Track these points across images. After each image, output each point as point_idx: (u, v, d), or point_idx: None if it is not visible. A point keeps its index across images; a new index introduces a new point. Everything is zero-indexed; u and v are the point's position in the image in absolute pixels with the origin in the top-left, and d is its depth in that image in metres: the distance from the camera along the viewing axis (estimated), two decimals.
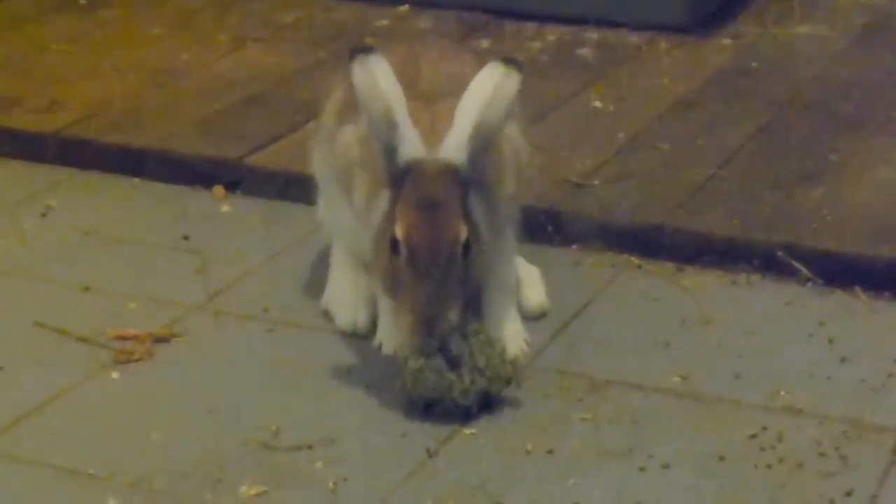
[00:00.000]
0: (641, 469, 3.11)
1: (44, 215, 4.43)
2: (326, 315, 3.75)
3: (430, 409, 3.29)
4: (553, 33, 5.63)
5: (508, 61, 3.34)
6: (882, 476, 3.07)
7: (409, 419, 3.30)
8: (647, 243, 4.03)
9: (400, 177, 3.29)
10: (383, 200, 3.37)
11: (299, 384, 3.47)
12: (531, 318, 3.69)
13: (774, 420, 3.27)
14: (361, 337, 3.64)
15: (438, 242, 3.23)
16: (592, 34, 5.59)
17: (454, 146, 3.29)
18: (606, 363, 3.52)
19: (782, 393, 3.37)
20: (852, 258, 3.85)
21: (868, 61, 5.27)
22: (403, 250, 3.24)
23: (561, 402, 3.37)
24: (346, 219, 3.67)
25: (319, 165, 3.81)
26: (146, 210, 4.46)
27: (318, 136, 3.82)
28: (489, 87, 3.30)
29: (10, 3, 6.07)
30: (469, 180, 3.32)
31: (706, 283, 3.90)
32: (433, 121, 3.39)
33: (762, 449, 3.16)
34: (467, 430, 3.25)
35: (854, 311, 3.74)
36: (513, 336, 3.55)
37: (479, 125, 3.29)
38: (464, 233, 3.25)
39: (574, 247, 4.10)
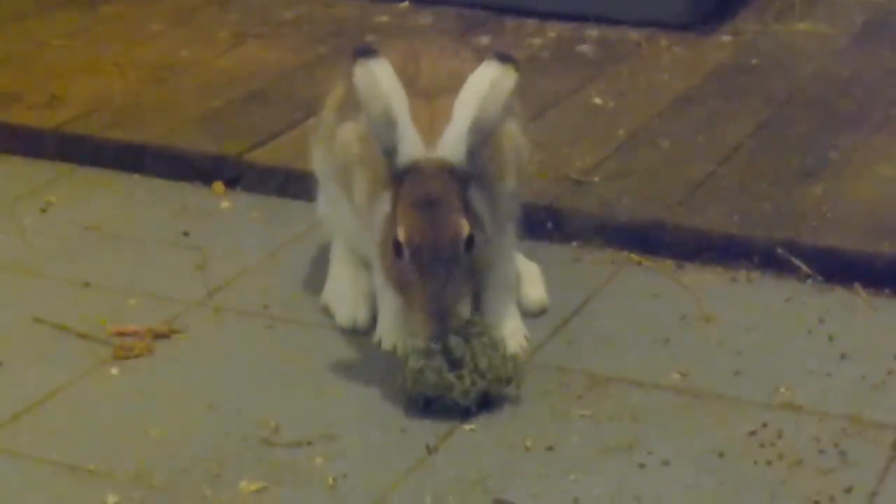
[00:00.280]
0: (641, 465, 3.11)
1: (44, 211, 4.43)
2: (326, 311, 3.75)
3: (430, 405, 3.29)
4: (553, 30, 5.63)
5: (504, 58, 3.34)
6: (881, 473, 3.07)
7: (409, 415, 3.30)
8: (647, 240, 4.03)
9: (400, 178, 3.29)
10: (385, 203, 3.38)
11: (299, 380, 3.47)
12: (531, 314, 3.69)
13: (774, 417, 3.27)
14: (361, 333, 3.64)
15: (440, 240, 3.23)
16: (593, 31, 5.59)
17: (451, 143, 3.30)
18: (606, 360, 3.52)
19: (782, 390, 3.37)
20: (852, 255, 3.85)
21: (868, 59, 5.27)
22: (406, 251, 3.24)
23: (561, 398, 3.37)
24: (346, 215, 3.68)
25: (319, 162, 3.81)
26: (146, 206, 4.46)
27: (318, 132, 3.82)
28: (485, 84, 3.31)
29: None
30: (468, 176, 3.32)
31: (706, 280, 3.90)
32: (433, 118, 3.39)
33: (762, 445, 3.16)
34: (467, 427, 3.26)
35: (854, 307, 3.74)
36: (512, 332, 3.55)
37: (476, 122, 3.29)
38: (466, 228, 3.25)
39: (574, 243, 4.10)
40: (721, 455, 3.13)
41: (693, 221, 4.04)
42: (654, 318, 3.71)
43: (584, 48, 5.44)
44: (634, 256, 4.02)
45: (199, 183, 4.55)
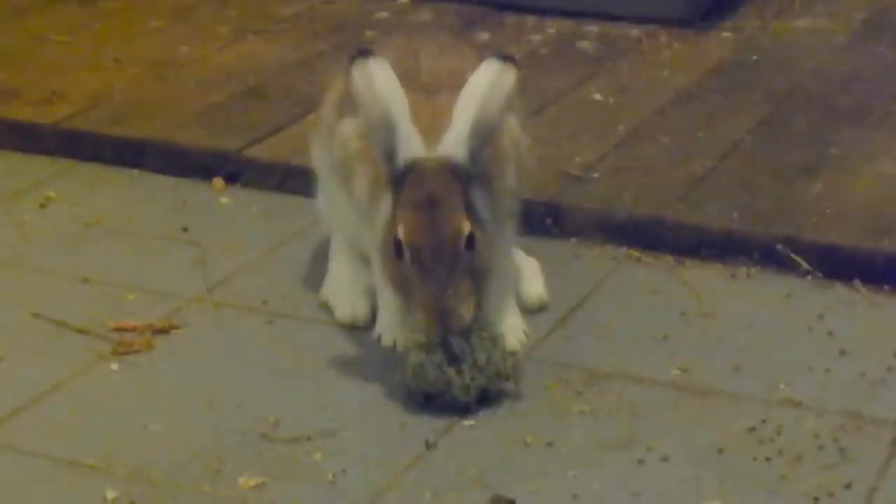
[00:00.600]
0: (640, 461, 3.11)
1: (43, 206, 4.43)
2: (325, 307, 3.75)
3: (430, 401, 3.29)
4: (553, 26, 5.63)
5: (504, 57, 3.34)
6: (881, 469, 3.07)
7: (408, 411, 3.30)
8: (646, 236, 4.03)
9: (400, 179, 3.29)
10: (385, 204, 3.37)
11: (298, 376, 3.47)
12: (531, 310, 3.69)
13: (773, 413, 3.27)
14: (361, 329, 3.64)
15: (440, 240, 3.23)
16: (593, 27, 5.59)
17: (452, 143, 3.30)
18: (606, 356, 3.52)
19: (781, 386, 3.37)
20: (852, 251, 3.85)
21: (868, 55, 5.28)
22: (407, 251, 3.24)
23: (560, 394, 3.37)
24: (346, 211, 3.67)
25: (319, 158, 3.80)
26: (145, 202, 4.46)
27: (318, 128, 3.81)
28: (485, 83, 3.30)
29: None
30: (470, 176, 3.32)
31: (706, 276, 3.90)
32: (434, 114, 3.39)
33: (761, 442, 3.16)
34: (466, 422, 3.26)
35: (854, 304, 3.74)
36: (512, 328, 3.55)
37: (477, 121, 3.29)
38: (466, 227, 3.25)
39: (573, 239, 4.10)
40: (720, 451, 3.13)
41: (693, 218, 4.04)
42: (653, 315, 3.71)
43: (584, 44, 5.44)
44: (634, 252, 4.02)
45: (199, 178, 4.55)
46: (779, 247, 3.90)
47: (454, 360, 3.26)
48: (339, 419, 3.28)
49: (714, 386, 3.39)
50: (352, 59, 3.33)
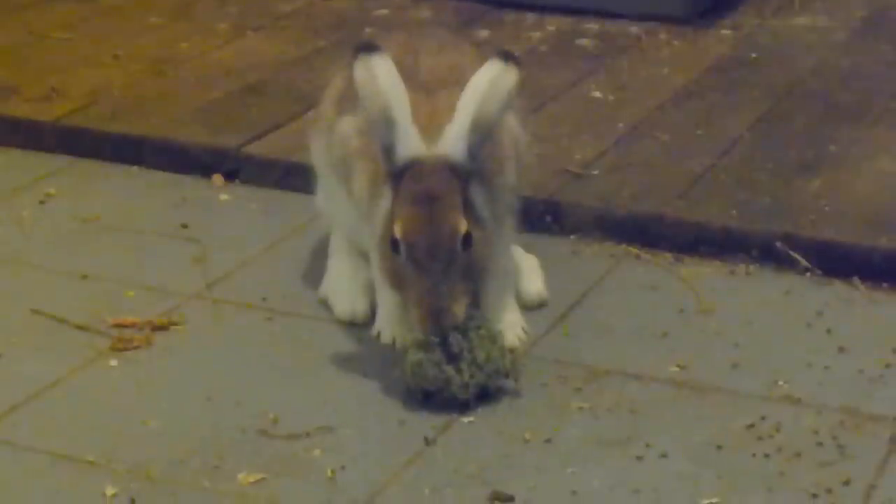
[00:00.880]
0: (639, 458, 3.11)
1: (42, 203, 4.43)
2: (325, 304, 3.75)
3: (429, 398, 3.29)
4: (553, 23, 5.63)
5: (507, 56, 3.34)
6: (879, 465, 3.07)
7: (408, 408, 3.30)
8: (645, 233, 4.04)
9: (399, 175, 3.29)
10: (384, 200, 3.37)
11: (297, 373, 3.47)
12: (530, 307, 3.69)
13: (772, 410, 3.27)
14: (360, 326, 3.64)
15: (436, 237, 3.23)
16: (592, 24, 5.59)
17: (452, 141, 3.29)
18: (605, 353, 3.52)
19: (780, 383, 3.38)
20: (851, 248, 3.85)
21: (867, 52, 5.28)
22: (403, 248, 3.24)
23: (559, 391, 3.37)
24: (345, 208, 3.68)
25: (318, 155, 3.81)
26: (145, 198, 4.46)
27: (317, 125, 3.81)
28: (487, 82, 3.30)
29: None
30: (469, 174, 3.32)
31: (704, 274, 3.90)
32: (433, 112, 3.39)
33: (760, 438, 3.17)
34: (465, 419, 3.26)
35: (852, 301, 3.74)
36: (511, 325, 3.55)
37: (477, 119, 3.29)
38: (463, 225, 3.25)
39: (573, 237, 4.11)
40: (719, 448, 3.14)
41: (692, 215, 4.04)
42: (652, 312, 3.71)
43: (584, 42, 5.44)
44: (633, 249, 4.02)
45: (199, 175, 4.55)
46: (778, 244, 3.90)
47: (453, 357, 3.26)
48: (338, 416, 3.28)
49: (713, 383, 3.39)
50: (355, 54, 3.33)
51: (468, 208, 3.30)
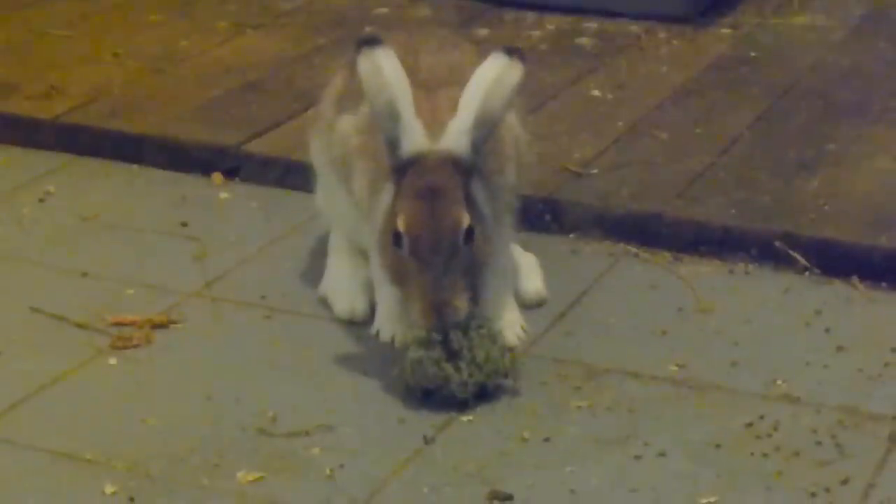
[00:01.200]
0: (638, 457, 3.11)
1: (42, 201, 4.43)
2: (324, 302, 3.75)
3: (428, 396, 3.29)
4: (552, 22, 5.63)
5: (512, 51, 3.33)
6: (878, 464, 3.08)
7: (407, 406, 3.30)
8: (644, 232, 4.04)
9: (402, 170, 3.29)
10: (386, 195, 3.37)
11: (297, 371, 3.47)
12: (529, 306, 3.70)
13: (771, 408, 3.27)
14: (359, 324, 3.65)
15: (439, 231, 3.23)
16: (592, 23, 5.59)
17: (455, 136, 3.29)
18: (604, 351, 3.52)
19: (779, 381, 3.38)
20: (850, 247, 3.86)
21: (866, 51, 5.28)
22: (406, 241, 3.24)
23: (558, 389, 3.37)
24: (344, 207, 3.68)
25: (317, 153, 3.81)
26: (144, 196, 4.46)
27: (317, 124, 3.82)
28: (491, 77, 3.30)
29: None
30: (472, 169, 3.32)
31: (703, 272, 3.90)
32: (433, 110, 3.39)
33: (758, 437, 3.17)
34: (464, 417, 3.26)
35: (851, 300, 3.75)
36: (510, 324, 3.55)
37: (481, 114, 3.29)
38: (465, 220, 3.25)
39: (572, 235, 4.11)
40: (718, 446, 3.14)
41: (691, 214, 4.04)
42: (651, 310, 3.71)
43: (583, 41, 5.44)
44: (632, 248, 4.02)
45: (198, 173, 4.55)
46: (777, 243, 3.90)
47: (452, 356, 3.26)
48: (337, 414, 3.28)
49: (712, 382, 3.39)
50: (358, 47, 3.32)
51: (470, 204, 3.30)
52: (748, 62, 5.21)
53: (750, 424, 3.21)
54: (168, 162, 4.61)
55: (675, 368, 3.45)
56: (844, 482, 3.01)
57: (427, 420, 3.25)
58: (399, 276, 3.31)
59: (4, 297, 3.85)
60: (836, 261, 3.84)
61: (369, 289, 3.67)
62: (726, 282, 3.86)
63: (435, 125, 3.33)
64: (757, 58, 5.25)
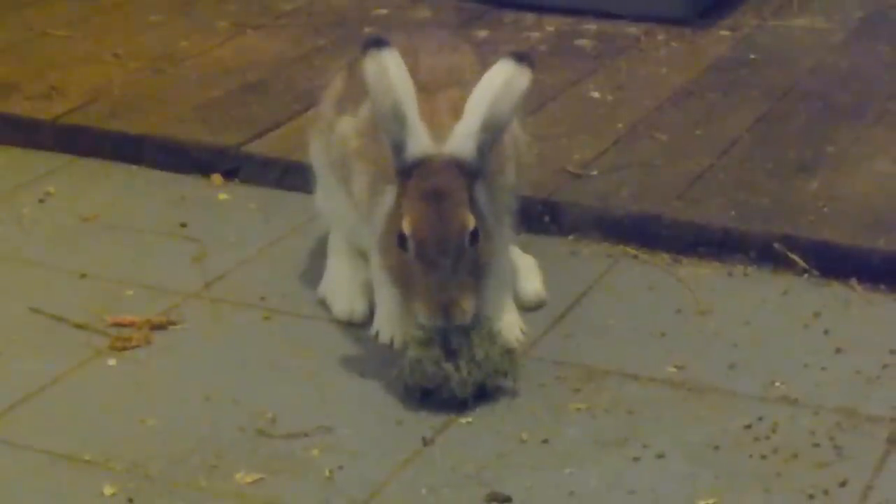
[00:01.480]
0: (636, 459, 3.12)
1: (42, 202, 4.43)
2: (323, 303, 3.75)
3: (428, 397, 3.30)
4: (552, 24, 5.63)
5: (521, 57, 3.33)
6: (876, 466, 3.08)
7: (406, 407, 3.31)
8: (643, 234, 4.04)
9: (407, 172, 3.29)
10: (388, 197, 3.37)
11: (296, 372, 3.47)
12: (528, 308, 3.70)
13: (769, 410, 3.27)
14: (358, 325, 3.65)
15: (445, 233, 3.23)
16: (591, 25, 5.59)
17: (461, 139, 3.29)
18: (603, 353, 3.53)
19: (777, 383, 3.38)
20: (849, 249, 3.86)
21: (866, 53, 5.28)
22: (412, 244, 3.24)
23: (557, 391, 3.37)
24: (344, 208, 3.68)
25: (317, 155, 3.81)
26: (144, 197, 4.46)
27: (317, 125, 3.82)
28: (499, 82, 3.30)
29: None
30: (477, 173, 3.32)
31: (702, 274, 3.90)
32: (433, 113, 3.38)
33: (757, 439, 3.17)
34: (463, 419, 3.26)
35: (850, 302, 3.75)
36: (509, 325, 3.55)
37: (488, 119, 3.28)
38: (471, 222, 3.25)
39: (571, 237, 4.11)
40: (716, 448, 3.14)
41: (690, 215, 4.04)
42: (650, 312, 3.72)
43: (583, 42, 5.45)
44: (631, 250, 4.03)
45: (198, 174, 4.55)
46: (776, 245, 3.90)
47: (452, 355, 3.26)
48: (336, 415, 3.29)
49: (710, 383, 3.39)
50: (364, 49, 3.30)
51: (474, 206, 3.30)
52: (747, 64, 5.21)
53: (748, 426, 3.22)
54: (168, 162, 4.61)
55: (674, 370, 3.45)
56: (843, 484, 3.01)
57: (426, 421, 3.25)
58: (403, 278, 3.31)
59: (4, 298, 3.85)
60: (834, 263, 3.85)
61: (368, 290, 3.67)
62: (725, 283, 3.86)
63: (434, 127, 3.33)
64: (756, 60, 5.25)
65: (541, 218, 4.12)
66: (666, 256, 3.99)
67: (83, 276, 3.96)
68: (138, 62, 5.31)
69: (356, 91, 3.58)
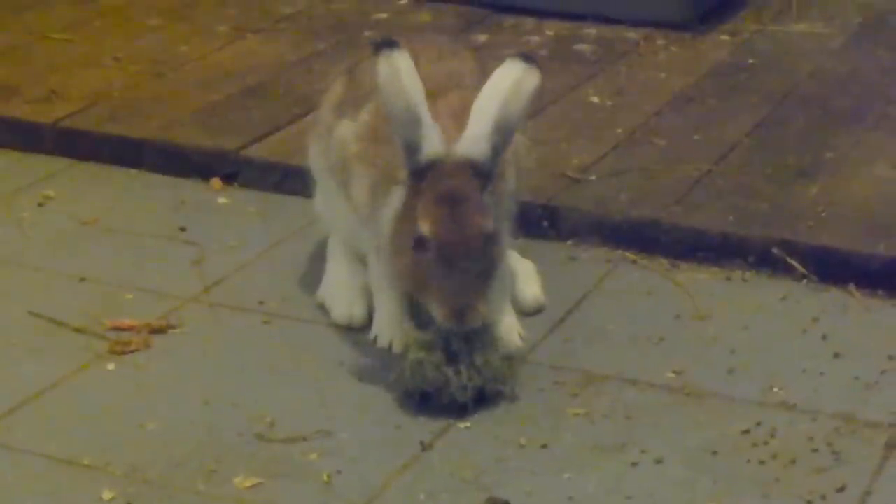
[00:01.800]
0: (635, 464, 3.12)
1: (41, 205, 4.43)
2: (322, 308, 3.75)
3: (427, 403, 3.30)
4: (551, 28, 5.64)
5: (527, 59, 3.33)
6: (874, 472, 3.08)
7: (404, 412, 3.31)
8: (642, 239, 4.04)
9: (420, 174, 3.28)
10: (394, 199, 3.36)
11: (295, 376, 3.48)
12: (527, 312, 3.70)
13: (767, 415, 3.28)
14: (357, 330, 3.65)
15: (467, 237, 3.22)
16: (591, 30, 5.60)
17: (474, 141, 3.28)
18: (601, 358, 3.53)
19: (775, 389, 3.39)
20: (847, 255, 3.86)
21: (864, 58, 5.28)
22: (432, 246, 3.22)
23: (556, 396, 3.38)
24: (343, 212, 3.68)
25: (316, 159, 3.81)
26: (143, 201, 4.46)
27: (316, 129, 3.82)
28: (508, 83, 3.30)
29: None
30: (490, 175, 3.31)
31: (701, 279, 3.91)
32: (436, 117, 3.37)
33: (755, 444, 3.17)
34: (462, 424, 3.26)
35: (848, 308, 3.75)
36: (507, 330, 3.55)
37: (499, 120, 3.28)
38: (490, 225, 3.25)
39: (569, 242, 4.11)
40: (714, 454, 3.15)
41: (689, 220, 4.05)
42: (648, 317, 3.72)
43: (582, 47, 5.45)
44: (630, 255, 4.03)
45: (197, 178, 4.56)
46: (774, 250, 3.91)
47: (452, 359, 3.27)
48: (335, 420, 3.29)
49: (708, 389, 3.40)
50: (377, 50, 3.28)
51: (488, 209, 3.30)
52: (747, 69, 5.22)
53: (747, 431, 3.22)
54: (167, 166, 4.61)
55: (673, 375, 3.45)
56: (841, 490, 3.02)
57: (424, 426, 3.26)
58: (416, 280, 3.29)
59: (3, 302, 3.86)
60: (833, 268, 3.85)
61: (368, 294, 3.68)
62: (724, 289, 3.86)
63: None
64: (755, 65, 5.26)
65: (539, 222, 4.13)
66: (664, 261, 3.99)
67: (82, 279, 3.96)
68: (138, 66, 5.31)
69: (356, 95, 3.59)
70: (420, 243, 3.24)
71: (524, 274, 3.78)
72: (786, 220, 4.02)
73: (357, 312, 3.68)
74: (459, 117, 3.34)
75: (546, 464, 3.13)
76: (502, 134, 3.30)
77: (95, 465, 3.14)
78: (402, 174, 3.33)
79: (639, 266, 3.99)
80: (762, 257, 3.92)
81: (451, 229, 3.22)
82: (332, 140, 3.64)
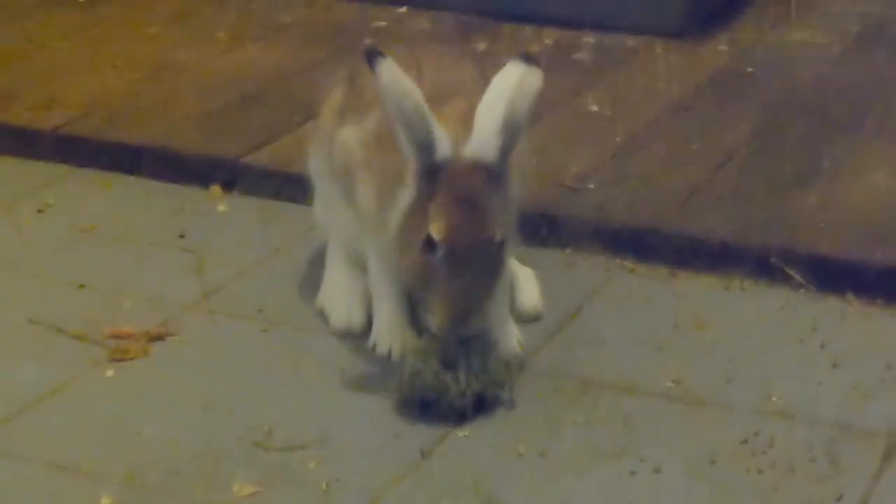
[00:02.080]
0: (633, 472, 3.12)
1: (41, 212, 4.44)
2: (321, 315, 3.76)
3: (426, 410, 3.30)
4: (550, 36, 5.64)
5: (529, 58, 3.33)
6: (872, 480, 3.08)
7: (403, 420, 3.31)
8: (641, 246, 4.04)
9: (431, 175, 3.27)
10: (402, 199, 3.35)
11: (293, 384, 3.48)
12: (526, 320, 3.70)
13: (766, 424, 3.28)
14: (356, 337, 3.65)
15: (478, 241, 3.22)
16: (589, 37, 5.60)
17: (483, 142, 3.27)
18: (600, 365, 3.53)
19: (774, 397, 3.39)
20: (845, 263, 3.86)
21: (863, 67, 5.29)
22: (441, 248, 3.21)
23: (554, 404, 3.38)
24: (343, 219, 3.68)
25: (316, 165, 3.81)
26: (143, 208, 4.47)
27: (316, 136, 3.82)
28: (512, 83, 3.29)
29: None
30: (499, 177, 3.31)
31: (699, 287, 3.91)
32: (441, 122, 3.37)
33: (753, 453, 3.18)
34: (461, 432, 3.26)
35: (846, 316, 3.75)
36: (506, 337, 3.55)
37: (506, 121, 3.27)
38: (501, 229, 3.25)
39: (568, 249, 4.11)
40: (713, 462, 3.15)
41: (687, 228, 4.05)
42: (647, 325, 3.72)
43: (581, 55, 5.46)
44: (628, 263, 4.03)
45: (196, 185, 4.56)
46: (773, 258, 3.91)
47: (450, 366, 3.27)
48: (333, 427, 3.29)
49: (707, 397, 3.40)
50: (370, 58, 3.26)
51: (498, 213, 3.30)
52: (745, 77, 5.22)
53: (745, 440, 3.22)
54: (166, 173, 4.62)
55: (671, 383, 3.45)
56: (839, 499, 3.02)
57: (423, 434, 3.26)
58: (420, 280, 3.29)
59: (2, 308, 3.86)
60: (831, 276, 3.85)
61: (367, 301, 3.68)
62: (722, 297, 3.87)
63: None
64: (754, 73, 5.26)
65: (538, 230, 4.12)
66: (663, 269, 4.00)
67: (81, 286, 3.96)
68: (137, 73, 5.32)
69: (358, 102, 3.59)
70: (429, 245, 3.23)
71: (523, 281, 3.78)
72: (784, 229, 4.02)
73: (356, 319, 3.68)
74: (464, 122, 3.33)
75: (544, 471, 3.13)
76: (510, 136, 3.29)
77: (94, 472, 3.14)
78: (410, 175, 3.32)
79: (637, 274, 3.99)
80: (761, 265, 3.92)
81: (463, 235, 3.21)
82: (334, 146, 3.64)
